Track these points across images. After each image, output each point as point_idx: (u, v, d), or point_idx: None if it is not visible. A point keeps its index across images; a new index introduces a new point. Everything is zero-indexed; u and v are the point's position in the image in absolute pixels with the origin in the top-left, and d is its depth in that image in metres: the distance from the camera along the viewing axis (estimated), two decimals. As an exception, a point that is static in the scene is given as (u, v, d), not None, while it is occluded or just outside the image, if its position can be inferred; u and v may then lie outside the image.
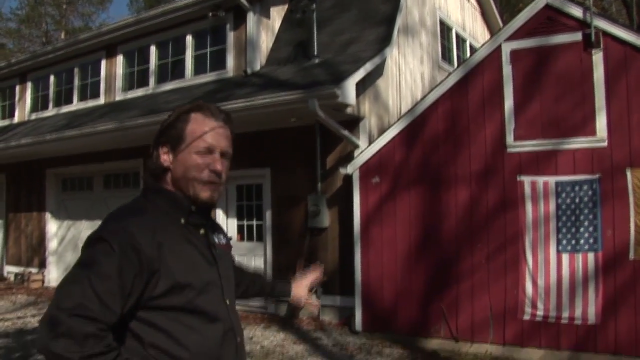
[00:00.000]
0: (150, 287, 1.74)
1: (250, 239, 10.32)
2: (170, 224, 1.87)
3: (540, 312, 6.68)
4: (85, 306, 1.59)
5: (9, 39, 36.91)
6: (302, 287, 2.70)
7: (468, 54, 12.18)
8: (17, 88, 15.46)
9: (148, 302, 1.75)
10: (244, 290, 2.57)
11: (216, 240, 2.08)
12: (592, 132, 6.58)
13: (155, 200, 1.92)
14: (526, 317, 6.76)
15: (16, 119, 15.35)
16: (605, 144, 6.50)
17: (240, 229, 10.48)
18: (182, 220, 1.91)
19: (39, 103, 14.94)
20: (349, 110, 8.43)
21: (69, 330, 1.56)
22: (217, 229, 2.18)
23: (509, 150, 6.99)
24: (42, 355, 1.60)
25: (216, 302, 1.92)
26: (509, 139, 6.99)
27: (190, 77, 11.41)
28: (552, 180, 6.70)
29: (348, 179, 8.56)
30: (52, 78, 14.51)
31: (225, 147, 1.97)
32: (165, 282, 1.76)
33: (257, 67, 10.50)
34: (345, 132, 8.57)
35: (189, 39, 11.48)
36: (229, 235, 9.94)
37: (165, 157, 1.93)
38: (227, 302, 1.99)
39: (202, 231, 1.98)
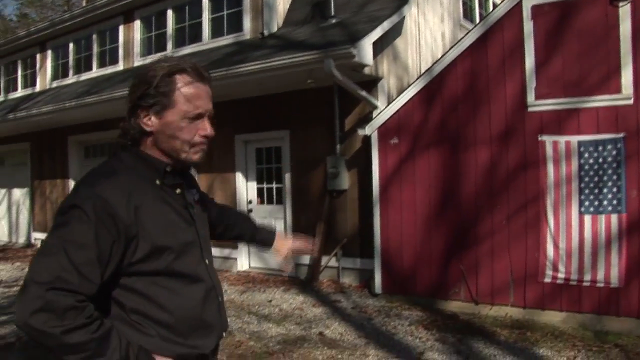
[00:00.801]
0: (130, 252, 1.71)
1: (270, 201, 10.31)
2: (145, 185, 1.82)
3: (561, 275, 6.56)
4: (63, 279, 1.55)
5: (31, 8, 37.04)
6: (285, 244, 2.64)
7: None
8: (38, 57, 15.50)
9: (128, 268, 1.72)
10: (221, 232, 2.52)
11: (193, 197, 2.06)
12: (617, 89, 6.34)
13: (128, 162, 1.85)
14: (547, 280, 6.65)
15: (38, 88, 15.42)
16: (630, 101, 6.27)
17: (260, 192, 10.47)
18: (157, 182, 1.86)
19: (60, 71, 14.97)
20: (366, 70, 8.29)
21: (48, 304, 1.52)
22: (192, 184, 2.11)
23: (530, 109, 6.79)
24: (22, 330, 1.56)
25: (196, 262, 1.89)
26: (530, 97, 6.78)
27: (207, 41, 11.28)
28: (574, 139, 6.51)
29: (367, 140, 8.45)
30: (71, 45, 14.50)
31: (211, 108, 1.93)
32: (144, 246, 1.72)
33: (275, 29, 10.34)
34: (363, 93, 8.44)
35: (205, 2, 11.32)
36: (250, 199, 10.07)
37: (146, 121, 1.85)
38: (207, 261, 1.96)
39: (178, 191, 1.93)
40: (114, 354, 1.61)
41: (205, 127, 1.88)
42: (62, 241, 1.60)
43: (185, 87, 1.83)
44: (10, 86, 16.63)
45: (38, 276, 1.56)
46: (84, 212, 1.63)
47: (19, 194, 16.31)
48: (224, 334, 2.01)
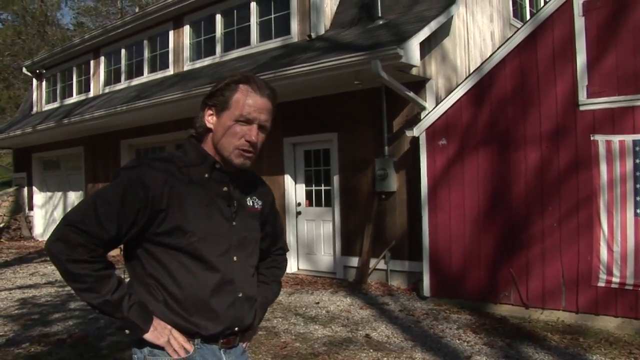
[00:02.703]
0: (156, 223, 1.97)
1: (318, 204, 10.32)
2: (193, 175, 2.06)
3: (616, 279, 6.35)
4: (83, 221, 1.87)
5: (87, 17, 38.07)
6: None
7: (542, 10, 11.60)
8: (92, 63, 15.95)
9: (152, 237, 1.99)
10: None
11: (249, 203, 2.23)
12: (674, 86, 6.11)
13: (187, 153, 2.11)
14: (601, 284, 6.44)
15: (91, 93, 15.86)
16: (688, 98, 6.04)
17: (308, 194, 10.48)
18: (206, 175, 2.09)
19: (112, 76, 15.37)
20: (414, 71, 8.22)
21: (65, 236, 1.87)
22: (255, 191, 2.29)
23: (582, 108, 6.60)
24: (46, 252, 1.95)
25: (218, 253, 2.06)
26: (582, 96, 6.60)
27: (255, 44, 11.38)
28: (629, 138, 6.30)
29: (415, 141, 8.38)
30: (123, 51, 14.87)
31: (264, 120, 2.07)
32: (169, 222, 1.97)
33: (322, 31, 10.36)
34: (411, 94, 8.36)
35: (253, 5, 11.44)
36: (299, 201, 10.08)
37: (209, 119, 2.09)
38: (235, 258, 2.11)
39: (225, 189, 2.12)
40: (107, 294, 1.90)
41: (251, 134, 2.04)
42: (96, 195, 1.96)
43: (243, 95, 2.04)
44: (66, 92, 17.12)
45: (70, 215, 1.92)
46: (120, 178, 1.96)
47: (73, 197, 16.76)
48: (236, 329, 2.13)
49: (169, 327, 1.99)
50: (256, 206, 2.25)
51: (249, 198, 2.22)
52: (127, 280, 2.09)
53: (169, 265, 1.99)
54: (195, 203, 2.02)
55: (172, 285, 1.99)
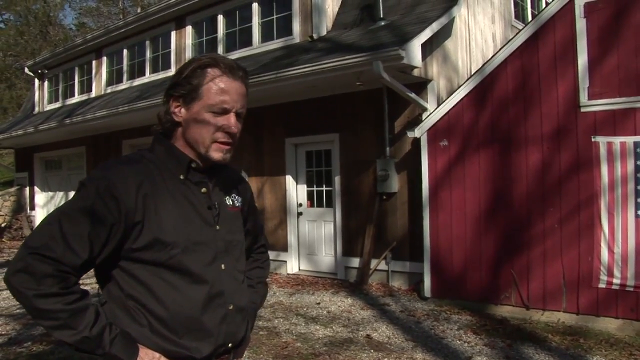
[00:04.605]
0: (132, 238, 1.72)
1: (319, 204, 10.33)
2: (167, 178, 1.82)
3: (617, 281, 6.35)
4: (48, 247, 1.61)
5: (89, 17, 38.16)
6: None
7: (544, 12, 11.60)
8: (94, 63, 15.97)
9: (129, 253, 1.74)
10: None
11: (229, 202, 2.00)
12: (675, 88, 6.12)
13: (158, 152, 1.87)
14: (602, 285, 6.45)
15: (93, 94, 15.88)
16: (689, 100, 6.05)
17: (309, 194, 10.49)
18: (181, 177, 1.85)
19: (114, 77, 15.40)
20: (415, 72, 8.23)
21: (28, 267, 1.60)
22: (234, 189, 2.07)
23: (583, 109, 6.61)
24: (5, 286, 1.66)
25: (204, 263, 1.83)
26: (583, 97, 6.61)
27: (257, 45, 11.40)
28: (630, 140, 6.30)
29: (416, 142, 8.39)
30: (125, 52, 14.89)
31: (240, 107, 1.86)
32: (147, 235, 1.73)
33: (324, 32, 10.38)
34: (413, 95, 8.37)
35: (255, 6, 11.45)
36: (300, 201, 10.09)
37: (177, 112, 1.85)
38: (223, 266, 1.89)
39: (203, 190, 1.90)
40: (85, 330, 1.64)
41: (230, 123, 1.82)
42: (60, 213, 1.69)
43: (213, 81, 1.80)
44: (68, 92, 17.14)
45: (31, 241, 1.65)
46: (87, 190, 1.69)
47: (75, 197, 16.74)
48: (230, 345, 1.91)
49: (157, 355, 1.74)
50: (236, 204, 2.04)
51: (228, 197, 2.01)
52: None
53: (150, 283, 1.75)
54: (173, 210, 1.78)
55: (156, 305, 1.75)
